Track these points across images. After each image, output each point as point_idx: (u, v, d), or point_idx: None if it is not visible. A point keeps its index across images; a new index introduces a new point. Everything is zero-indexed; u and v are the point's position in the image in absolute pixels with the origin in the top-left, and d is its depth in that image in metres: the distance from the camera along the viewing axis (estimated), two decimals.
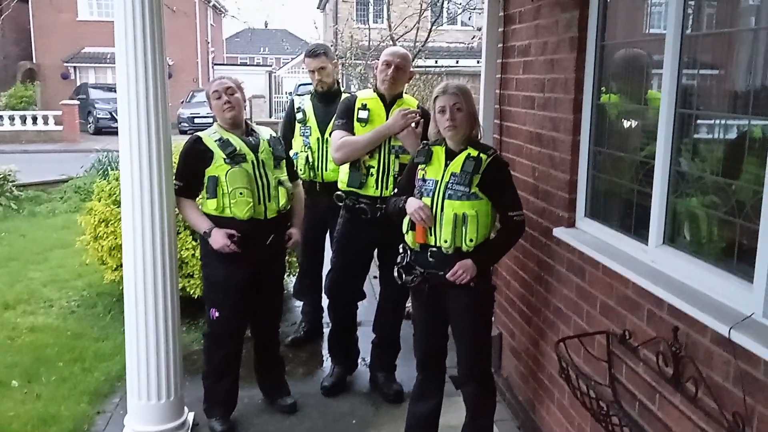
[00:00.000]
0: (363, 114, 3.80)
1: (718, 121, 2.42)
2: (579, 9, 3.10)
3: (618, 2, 3.05)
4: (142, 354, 3.27)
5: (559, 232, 3.26)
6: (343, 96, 4.29)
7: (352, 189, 3.83)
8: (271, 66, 39.68)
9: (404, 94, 3.94)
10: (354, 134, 3.78)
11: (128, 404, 3.41)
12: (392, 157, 3.76)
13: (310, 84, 4.69)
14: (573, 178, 3.22)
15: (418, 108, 3.80)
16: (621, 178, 2.98)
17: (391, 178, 3.75)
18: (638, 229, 2.75)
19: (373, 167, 3.77)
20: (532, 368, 3.68)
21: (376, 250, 4.12)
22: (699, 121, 2.48)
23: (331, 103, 4.43)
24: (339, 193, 3.93)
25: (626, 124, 3.08)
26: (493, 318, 3.39)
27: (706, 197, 2.41)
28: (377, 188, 3.78)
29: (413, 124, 3.65)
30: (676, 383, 2.30)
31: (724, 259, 2.26)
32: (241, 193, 3.41)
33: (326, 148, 4.42)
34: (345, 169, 3.85)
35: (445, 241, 3.01)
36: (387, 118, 3.75)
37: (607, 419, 2.58)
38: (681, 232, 2.56)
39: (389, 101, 3.83)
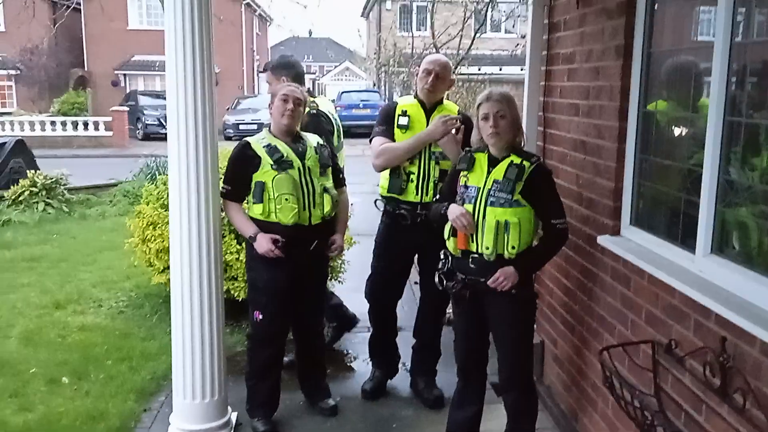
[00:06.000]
0: (403, 120, 3.82)
1: None
2: (625, 16, 3.07)
3: (665, 10, 3.02)
4: (188, 354, 3.35)
5: (603, 240, 3.23)
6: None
7: (392, 195, 3.85)
8: (314, 74, 40.08)
9: (445, 101, 3.95)
10: (394, 140, 3.81)
11: (174, 403, 3.50)
12: (432, 163, 3.77)
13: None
14: (618, 185, 3.19)
15: (458, 114, 3.81)
16: (667, 186, 2.94)
17: (431, 184, 3.76)
18: (685, 238, 2.71)
19: (414, 173, 3.79)
20: (575, 377, 3.65)
21: (416, 256, 4.14)
22: (748, 130, 2.44)
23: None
24: (379, 199, 3.97)
25: (673, 132, 3.04)
26: (535, 325, 3.37)
27: (756, 207, 2.37)
28: (417, 194, 3.79)
29: (453, 131, 3.66)
30: (724, 394, 2.26)
31: None
32: (286, 199, 3.46)
33: None
34: (385, 175, 3.87)
35: (487, 248, 3.00)
36: (427, 125, 3.77)
37: (652, 429, 2.54)
38: (729, 242, 2.52)
39: (430, 108, 3.84)
